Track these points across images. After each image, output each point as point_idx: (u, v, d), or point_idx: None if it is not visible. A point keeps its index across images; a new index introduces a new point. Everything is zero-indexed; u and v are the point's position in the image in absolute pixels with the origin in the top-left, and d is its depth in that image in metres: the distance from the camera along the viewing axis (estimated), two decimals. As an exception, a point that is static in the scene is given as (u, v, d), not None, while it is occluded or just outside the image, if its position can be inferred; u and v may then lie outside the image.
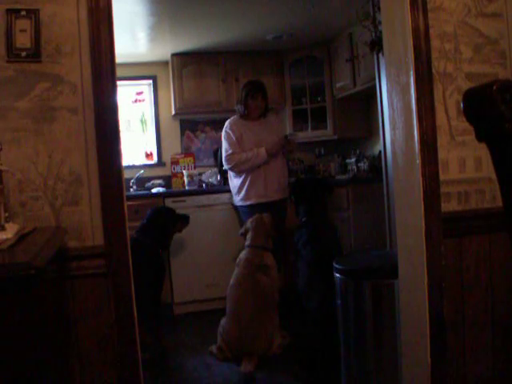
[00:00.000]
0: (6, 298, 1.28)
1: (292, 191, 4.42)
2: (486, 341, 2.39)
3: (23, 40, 1.99)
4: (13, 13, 1.98)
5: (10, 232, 1.64)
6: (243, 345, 3.61)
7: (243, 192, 4.59)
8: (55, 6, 2.03)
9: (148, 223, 4.13)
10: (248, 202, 4.58)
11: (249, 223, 4.06)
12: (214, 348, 3.83)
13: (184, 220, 4.43)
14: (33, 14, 1.99)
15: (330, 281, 3.07)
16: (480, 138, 0.94)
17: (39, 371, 1.48)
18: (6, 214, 1.73)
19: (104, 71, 2.05)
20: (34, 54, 2.01)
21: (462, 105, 0.94)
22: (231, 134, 4.60)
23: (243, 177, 4.59)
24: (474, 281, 2.37)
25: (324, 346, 3.35)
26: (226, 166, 4.69)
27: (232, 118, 4.74)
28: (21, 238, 1.62)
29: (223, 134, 4.70)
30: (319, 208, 4.09)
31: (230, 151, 4.57)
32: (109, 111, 2.06)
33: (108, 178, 2.06)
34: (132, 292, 2.11)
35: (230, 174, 4.75)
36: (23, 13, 1.99)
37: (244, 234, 4.06)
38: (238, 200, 4.67)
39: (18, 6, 1.99)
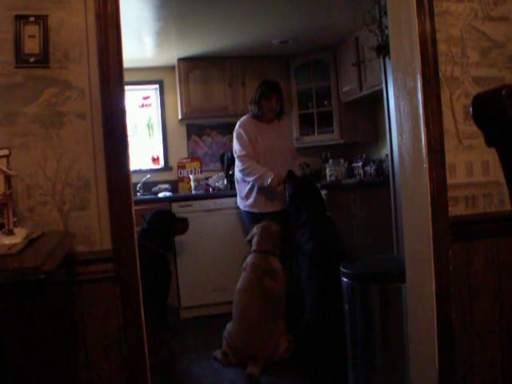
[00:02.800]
0: (15, 302, 1.28)
1: (289, 196, 4.26)
2: (495, 346, 2.38)
3: (32, 46, 2.00)
4: (21, 19, 1.99)
5: (18, 237, 1.64)
6: (249, 349, 3.60)
7: (251, 199, 4.53)
8: (63, 12, 2.04)
9: (149, 227, 4.10)
10: (255, 210, 4.53)
11: (255, 229, 4.05)
12: (218, 353, 3.83)
13: (182, 223, 4.36)
14: (41, 20, 2.00)
15: (329, 277, 3.07)
16: (489, 143, 0.94)
17: (47, 374, 1.49)
18: (15, 219, 1.74)
19: (112, 76, 2.06)
20: (43, 60, 2.02)
21: (471, 110, 0.94)
22: (243, 134, 4.46)
23: (252, 183, 4.49)
24: (482, 285, 2.36)
25: (330, 349, 3.34)
26: (239, 167, 4.53)
27: (244, 118, 4.62)
28: (29, 242, 1.62)
29: (235, 133, 4.56)
30: (317, 207, 4.06)
31: (244, 152, 4.42)
32: (117, 116, 2.07)
33: (116, 182, 2.07)
34: (140, 296, 2.12)
35: (238, 176, 4.65)
36: (32, 19, 2.00)
37: (250, 240, 4.05)
38: (244, 205, 4.62)
39: (27, 12, 2.00)
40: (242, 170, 4.48)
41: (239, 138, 4.50)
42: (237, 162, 4.54)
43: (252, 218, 4.53)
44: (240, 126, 4.55)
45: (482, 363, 2.37)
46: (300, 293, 3.82)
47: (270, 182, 4.27)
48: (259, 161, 4.44)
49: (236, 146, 4.54)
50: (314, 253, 3.68)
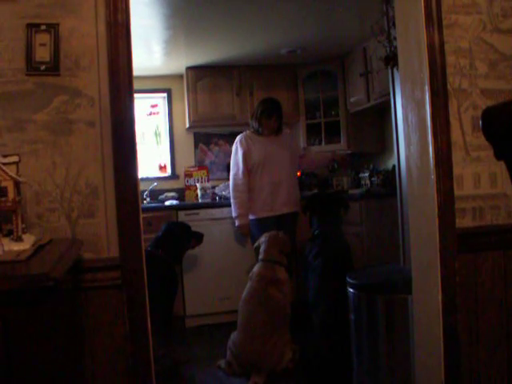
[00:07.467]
0: (23, 309, 1.29)
1: (307, 204, 4.38)
2: (501, 357, 2.36)
3: (43, 54, 2.02)
4: (33, 27, 2.01)
5: (27, 243, 1.65)
6: (253, 359, 3.58)
7: (252, 205, 4.60)
8: (75, 20, 2.06)
9: (163, 237, 4.14)
10: (253, 216, 4.59)
11: (263, 237, 4.04)
12: (222, 362, 3.81)
13: (198, 238, 4.43)
14: (52, 28, 2.02)
15: (338, 293, 3.07)
16: (498, 156, 0.94)
17: (53, 381, 1.49)
18: (23, 225, 1.75)
19: (121, 85, 2.07)
20: (53, 68, 2.03)
21: (480, 123, 0.94)
22: (239, 149, 4.60)
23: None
24: (489, 297, 2.35)
25: (335, 360, 3.33)
26: (230, 186, 4.72)
27: (244, 133, 4.73)
28: (38, 249, 1.63)
29: (233, 147, 4.71)
30: (333, 222, 4.08)
31: (233, 171, 4.61)
32: (126, 124, 2.08)
33: (124, 190, 2.08)
34: (146, 304, 2.12)
35: None
36: (43, 27, 2.02)
37: (258, 248, 4.05)
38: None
39: (38, 21, 2.02)
40: (230, 191, 4.68)
41: (234, 154, 4.68)
42: (231, 177, 4.69)
43: (255, 224, 4.58)
44: (237, 141, 4.69)
45: (488, 375, 2.35)
46: (306, 305, 3.82)
47: (237, 225, 4.63)
48: (251, 170, 4.56)
49: (232, 160, 4.71)
50: (321, 270, 3.68)
